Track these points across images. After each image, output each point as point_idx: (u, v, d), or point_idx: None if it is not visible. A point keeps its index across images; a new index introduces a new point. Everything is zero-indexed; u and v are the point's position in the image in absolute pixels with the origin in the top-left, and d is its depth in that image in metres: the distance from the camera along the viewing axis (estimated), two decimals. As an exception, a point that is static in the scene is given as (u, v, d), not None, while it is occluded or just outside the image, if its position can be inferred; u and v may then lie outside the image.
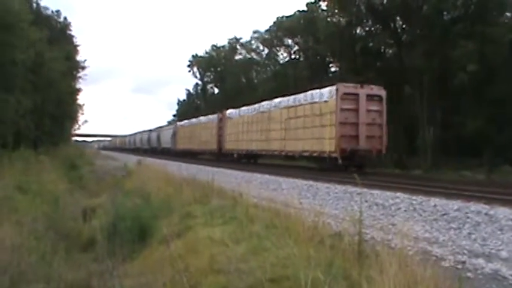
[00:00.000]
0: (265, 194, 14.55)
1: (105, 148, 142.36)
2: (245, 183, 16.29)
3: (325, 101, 27.18)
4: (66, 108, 49.19)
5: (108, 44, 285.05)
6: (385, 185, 17.27)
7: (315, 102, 28.21)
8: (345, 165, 25.73)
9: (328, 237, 7.41)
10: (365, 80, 29.81)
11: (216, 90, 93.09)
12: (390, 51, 45.45)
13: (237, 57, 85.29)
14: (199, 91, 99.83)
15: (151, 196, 15.44)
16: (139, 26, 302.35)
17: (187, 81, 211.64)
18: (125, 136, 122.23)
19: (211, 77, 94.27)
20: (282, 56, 72.21)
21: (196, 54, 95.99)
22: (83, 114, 65.60)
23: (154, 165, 29.48)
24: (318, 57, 58.35)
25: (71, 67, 50.48)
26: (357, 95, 26.51)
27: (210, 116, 49.25)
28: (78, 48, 56.64)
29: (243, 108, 40.60)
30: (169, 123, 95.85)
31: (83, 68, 56.00)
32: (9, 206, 11.95)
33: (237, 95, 71.15)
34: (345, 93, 26.46)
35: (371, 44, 44.17)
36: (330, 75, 57.94)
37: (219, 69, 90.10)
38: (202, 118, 52.84)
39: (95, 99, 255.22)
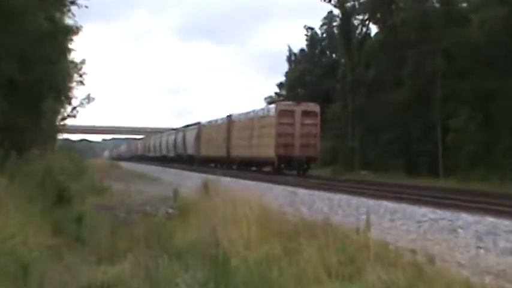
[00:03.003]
0: (487, 261, 12.36)
1: (120, 158, 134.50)
2: (439, 234, 14.32)
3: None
4: (44, 71, 37.73)
5: None
6: None
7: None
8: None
9: None
10: None
11: (374, 30, 71.62)
12: None
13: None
14: (334, 30, 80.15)
15: (232, 262, 12.50)
16: None
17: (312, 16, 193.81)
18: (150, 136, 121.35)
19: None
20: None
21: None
22: (81, 83, 57.22)
23: (237, 192, 24.92)
24: None
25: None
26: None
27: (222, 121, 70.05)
28: None
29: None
30: (270, 102, 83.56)
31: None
32: None
33: (423, 34, 56.52)
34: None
35: None
36: None
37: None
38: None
39: (106, 52, 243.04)
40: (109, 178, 44.85)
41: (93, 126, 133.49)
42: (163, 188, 34.48)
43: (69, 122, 63.84)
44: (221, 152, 66.35)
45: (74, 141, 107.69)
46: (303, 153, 48.44)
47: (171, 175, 50.80)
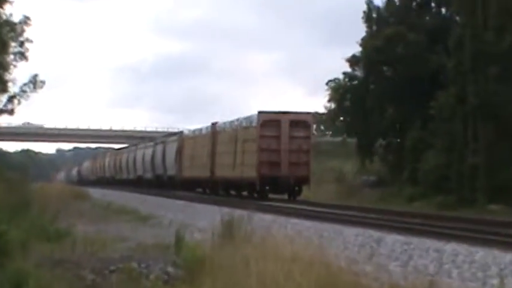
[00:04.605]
0: None
1: (82, 181, 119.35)
2: None
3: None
4: None
5: None
6: None
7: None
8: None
9: None
10: None
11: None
12: None
13: None
14: None
15: None
16: None
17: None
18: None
19: None
20: None
21: None
22: (22, 56, 51.56)
23: (282, 239, 20.07)
24: None
25: None
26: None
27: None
28: None
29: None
30: (336, 89, 74.92)
31: None
32: None
33: None
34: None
35: None
36: None
37: None
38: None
39: (64, 11, 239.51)
40: (70, 215, 39.82)
41: (42, 128, 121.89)
42: (159, 231, 31.98)
43: (3, 120, 51.71)
44: (205, 172, 64.16)
45: (12, 153, 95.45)
46: (292, 172, 48.87)
47: (172, 210, 46.53)
